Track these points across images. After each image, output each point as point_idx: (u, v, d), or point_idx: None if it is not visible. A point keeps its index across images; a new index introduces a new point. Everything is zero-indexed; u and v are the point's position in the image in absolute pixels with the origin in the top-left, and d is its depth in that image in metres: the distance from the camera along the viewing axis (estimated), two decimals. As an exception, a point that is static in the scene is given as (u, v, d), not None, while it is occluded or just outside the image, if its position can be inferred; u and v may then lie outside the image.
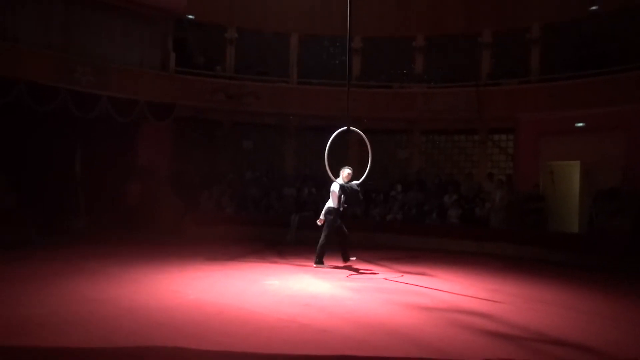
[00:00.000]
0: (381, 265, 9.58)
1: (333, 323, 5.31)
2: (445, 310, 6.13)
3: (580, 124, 13.63)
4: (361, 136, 8.44)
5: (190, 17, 15.45)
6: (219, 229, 13.44)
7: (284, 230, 13.43)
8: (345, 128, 8.33)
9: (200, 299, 6.16)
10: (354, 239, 10.29)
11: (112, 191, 14.13)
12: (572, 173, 13.90)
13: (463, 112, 14.83)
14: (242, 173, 15.73)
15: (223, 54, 16.32)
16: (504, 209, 12.79)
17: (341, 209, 9.05)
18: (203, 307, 5.75)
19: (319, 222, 9.21)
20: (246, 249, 10.96)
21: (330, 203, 9.09)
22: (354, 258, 9.50)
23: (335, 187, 8.95)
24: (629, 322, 6.05)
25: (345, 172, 9.01)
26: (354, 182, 8.98)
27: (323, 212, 9.19)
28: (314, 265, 9.00)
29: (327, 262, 9.10)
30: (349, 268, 9.07)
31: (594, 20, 14.02)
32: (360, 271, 8.89)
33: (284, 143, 16.85)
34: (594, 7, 13.75)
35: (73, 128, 13.44)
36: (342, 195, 8.90)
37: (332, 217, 9.00)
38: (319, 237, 9.07)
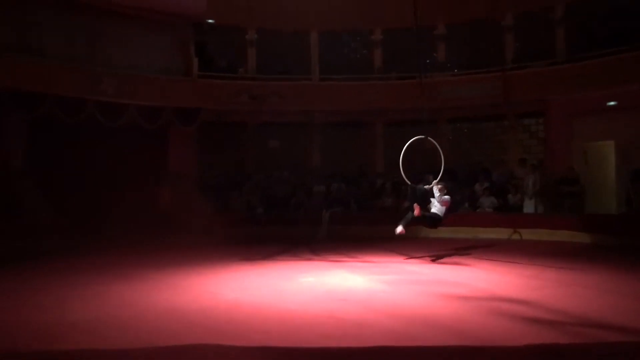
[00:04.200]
0: (414, 257, 9.53)
1: (370, 316, 5.30)
2: (482, 298, 6.06)
3: (612, 103, 13.27)
4: (434, 144, 9.12)
5: (210, 21, 15.57)
6: (250, 229, 13.53)
7: (315, 227, 13.45)
8: (422, 137, 9.18)
9: (238, 299, 6.21)
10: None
11: (144, 197, 14.34)
12: (606, 153, 13.54)
13: (489, 99, 14.60)
14: (270, 172, 15.81)
15: (244, 55, 16.41)
16: (538, 194, 12.56)
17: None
18: (241, 307, 5.80)
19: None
20: (278, 247, 11.00)
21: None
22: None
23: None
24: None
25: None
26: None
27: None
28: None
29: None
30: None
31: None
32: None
33: (309, 140, 16.87)
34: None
35: (102, 137, 13.72)
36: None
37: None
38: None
